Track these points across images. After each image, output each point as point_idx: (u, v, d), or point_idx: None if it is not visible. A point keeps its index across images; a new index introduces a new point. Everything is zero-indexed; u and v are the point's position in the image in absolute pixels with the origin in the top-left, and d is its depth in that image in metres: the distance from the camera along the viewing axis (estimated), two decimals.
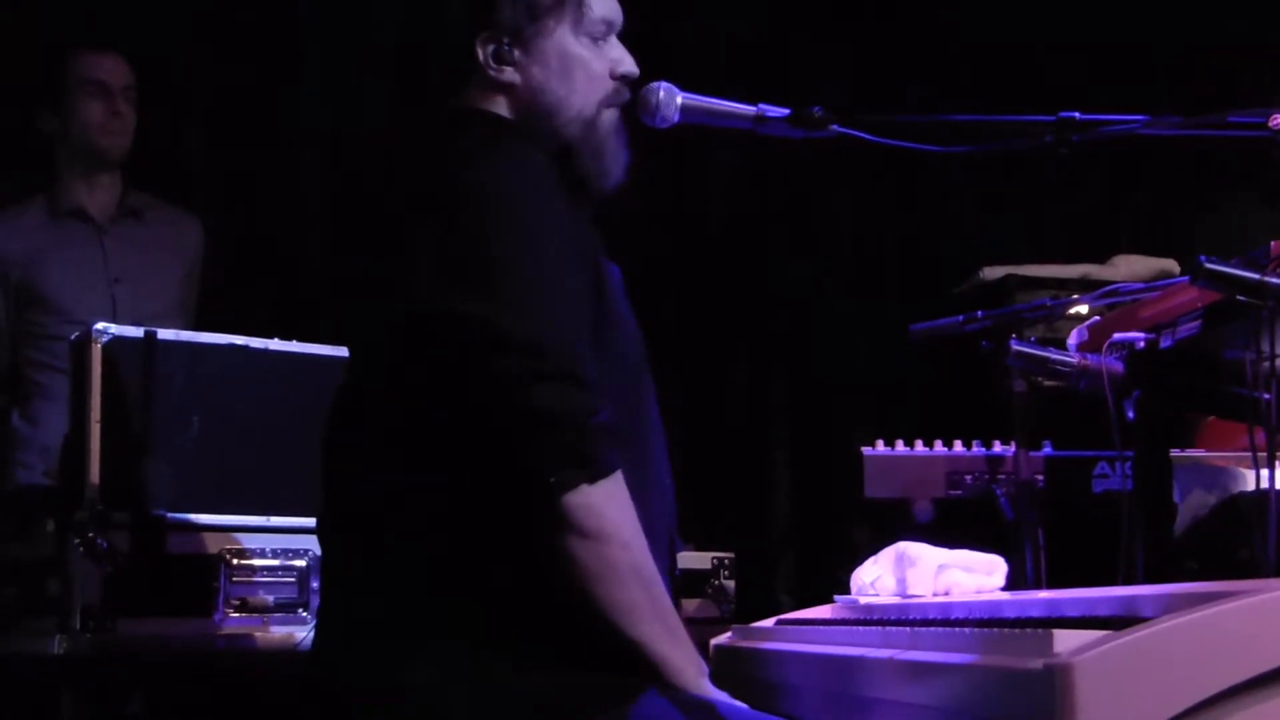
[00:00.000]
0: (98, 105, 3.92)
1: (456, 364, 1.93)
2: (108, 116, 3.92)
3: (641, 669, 1.95)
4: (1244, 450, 2.95)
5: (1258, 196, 4.04)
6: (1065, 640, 1.50)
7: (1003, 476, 3.08)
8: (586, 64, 2.15)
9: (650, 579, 1.96)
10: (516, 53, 2.12)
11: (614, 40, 2.20)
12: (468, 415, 1.92)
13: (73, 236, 3.93)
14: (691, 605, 3.46)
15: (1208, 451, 3.02)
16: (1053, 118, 2.29)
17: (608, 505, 1.92)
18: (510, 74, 2.13)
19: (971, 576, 2.48)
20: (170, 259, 4.04)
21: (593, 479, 1.90)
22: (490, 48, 2.12)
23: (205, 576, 3.01)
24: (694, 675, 1.97)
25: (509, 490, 1.91)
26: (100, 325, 3.03)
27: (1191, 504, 3.37)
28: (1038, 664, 1.48)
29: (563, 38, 2.14)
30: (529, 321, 1.91)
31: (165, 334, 3.09)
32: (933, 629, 1.94)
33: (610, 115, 2.18)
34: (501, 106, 2.15)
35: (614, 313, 2.10)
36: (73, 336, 3.09)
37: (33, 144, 4.00)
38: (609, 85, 2.18)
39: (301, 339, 3.25)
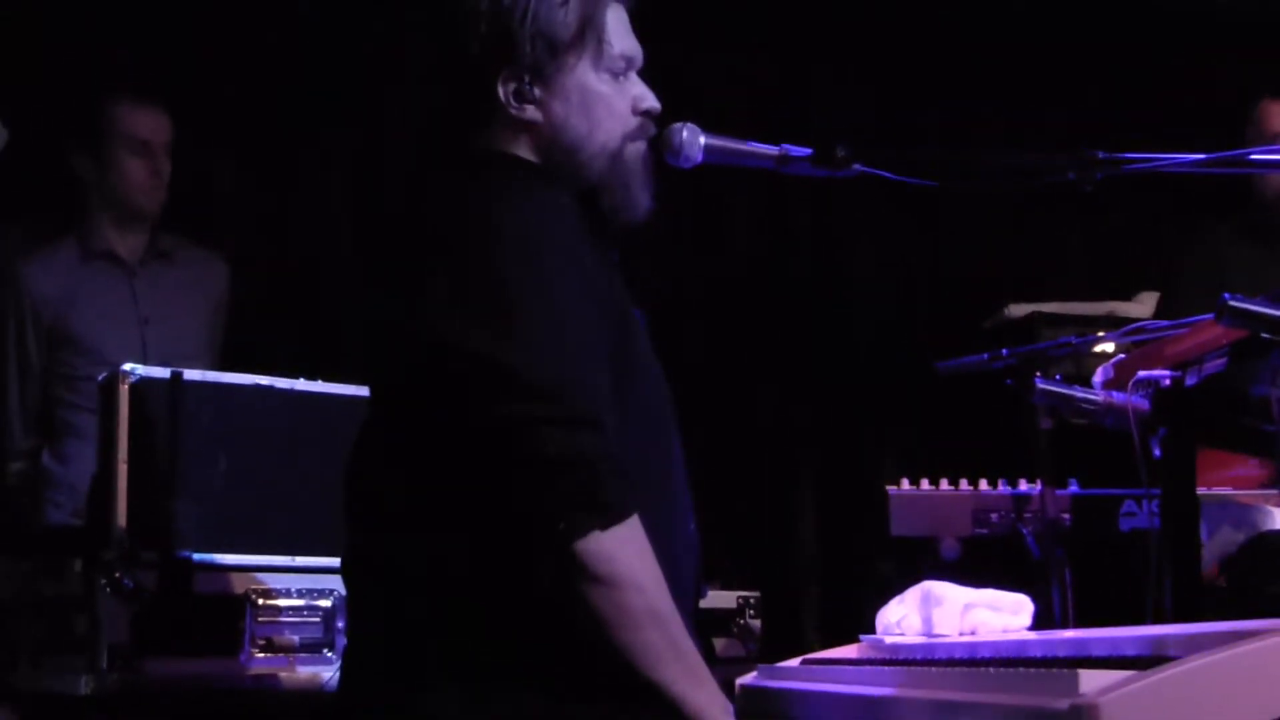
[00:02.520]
0: (139, 164, 3.94)
1: (467, 403, 1.93)
2: (148, 175, 3.94)
3: (664, 711, 1.94)
4: (1235, 482, 2.95)
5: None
6: (1091, 680, 1.50)
7: (1029, 515, 3.07)
8: (608, 100, 2.15)
9: (667, 620, 1.95)
10: (537, 90, 2.12)
11: (634, 77, 2.20)
12: (479, 456, 1.92)
13: (104, 278, 3.95)
14: (717, 644, 3.45)
15: (1234, 489, 3.00)
16: (1077, 155, 2.29)
17: (620, 550, 1.91)
18: (532, 112, 2.13)
19: (998, 616, 2.46)
20: (198, 299, 4.06)
21: (605, 524, 1.90)
22: (511, 86, 2.12)
23: (231, 616, 3.01)
24: (717, 716, 1.96)
25: (521, 533, 1.91)
26: (128, 366, 3.05)
27: (1219, 542, 3.35)
28: (1064, 704, 1.48)
29: (583, 74, 2.14)
30: (539, 363, 1.91)
31: (191, 374, 3.11)
32: (959, 669, 1.93)
33: (635, 149, 2.18)
34: (524, 145, 2.15)
35: (637, 357, 2.09)
36: (100, 377, 3.11)
37: (64, 179, 4.03)
38: (632, 120, 2.18)
39: (328, 378, 3.26)
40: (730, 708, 2.00)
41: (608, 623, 1.91)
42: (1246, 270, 3.86)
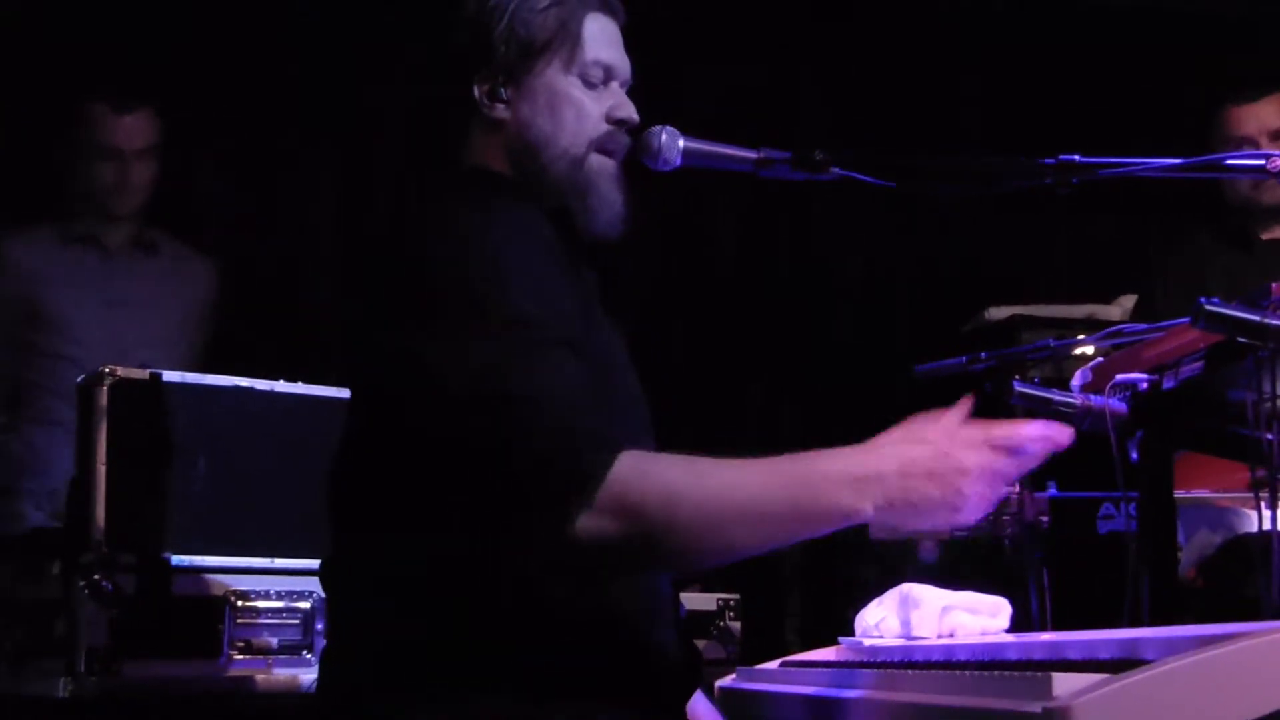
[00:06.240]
0: (109, 168, 4.02)
1: (437, 412, 1.91)
2: (115, 180, 4.01)
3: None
4: (1220, 488, 2.96)
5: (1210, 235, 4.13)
6: (1065, 683, 1.50)
7: (1008, 517, 3.07)
8: (577, 103, 2.16)
9: (687, 503, 1.89)
10: (509, 91, 2.16)
11: (615, 88, 2.21)
12: (450, 465, 1.91)
13: (78, 260, 4.04)
14: (698, 647, 3.46)
15: (1211, 492, 3.01)
16: (1053, 159, 2.30)
17: (612, 508, 1.83)
18: (501, 110, 2.16)
19: (976, 618, 2.47)
20: (176, 293, 4.14)
21: (585, 502, 1.82)
22: (486, 87, 2.16)
23: (210, 618, 3.01)
24: (882, 465, 2.01)
25: (514, 536, 1.89)
26: (107, 368, 3.05)
27: (1197, 545, 3.36)
28: (1036, 707, 1.48)
29: (553, 77, 2.16)
30: (508, 382, 1.87)
31: (171, 376, 3.10)
32: (934, 672, 1.93)
33: (603, 159, 2.18)
34: (496, 149, 2.17)
35: (606, 373, 2.08)
36: (79, 379, 3.10)
37: (46, 165, 4.08)
38: (603, 128, 2.18)
39: (308, 380, 3.26)
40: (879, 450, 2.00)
41: (688, 558, 1.92)
42: (1226, 275, 3.88)
